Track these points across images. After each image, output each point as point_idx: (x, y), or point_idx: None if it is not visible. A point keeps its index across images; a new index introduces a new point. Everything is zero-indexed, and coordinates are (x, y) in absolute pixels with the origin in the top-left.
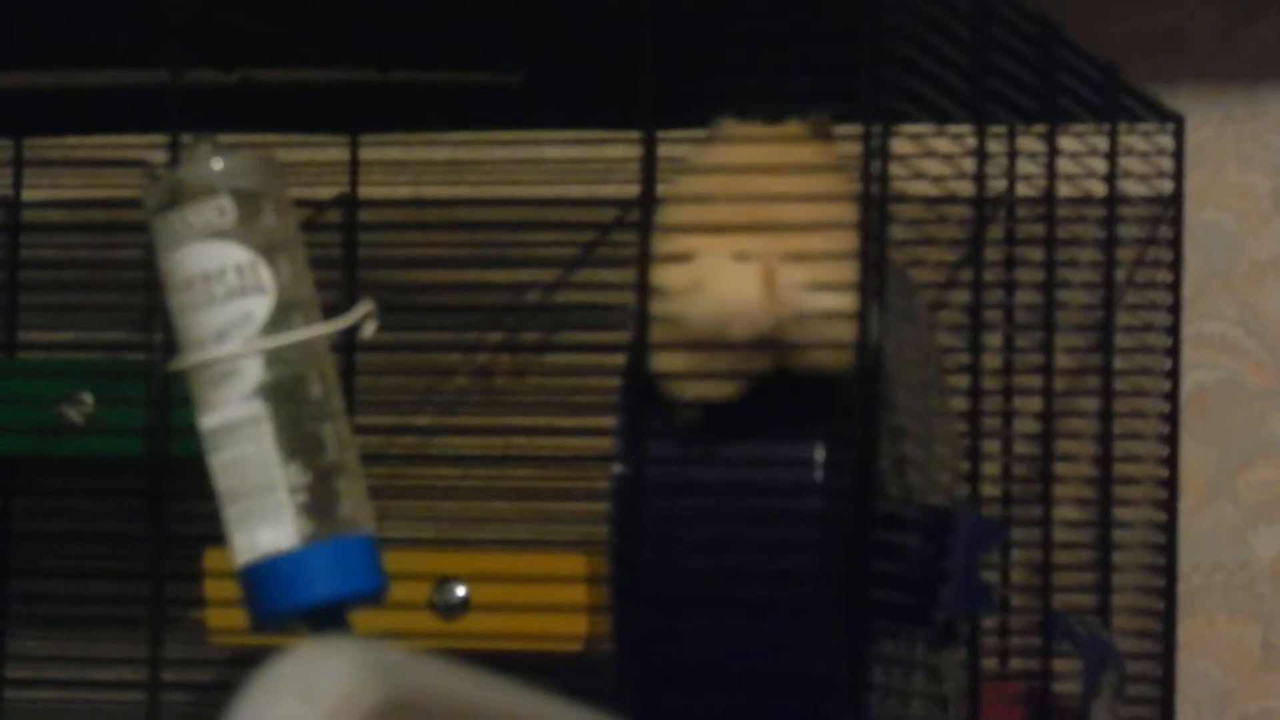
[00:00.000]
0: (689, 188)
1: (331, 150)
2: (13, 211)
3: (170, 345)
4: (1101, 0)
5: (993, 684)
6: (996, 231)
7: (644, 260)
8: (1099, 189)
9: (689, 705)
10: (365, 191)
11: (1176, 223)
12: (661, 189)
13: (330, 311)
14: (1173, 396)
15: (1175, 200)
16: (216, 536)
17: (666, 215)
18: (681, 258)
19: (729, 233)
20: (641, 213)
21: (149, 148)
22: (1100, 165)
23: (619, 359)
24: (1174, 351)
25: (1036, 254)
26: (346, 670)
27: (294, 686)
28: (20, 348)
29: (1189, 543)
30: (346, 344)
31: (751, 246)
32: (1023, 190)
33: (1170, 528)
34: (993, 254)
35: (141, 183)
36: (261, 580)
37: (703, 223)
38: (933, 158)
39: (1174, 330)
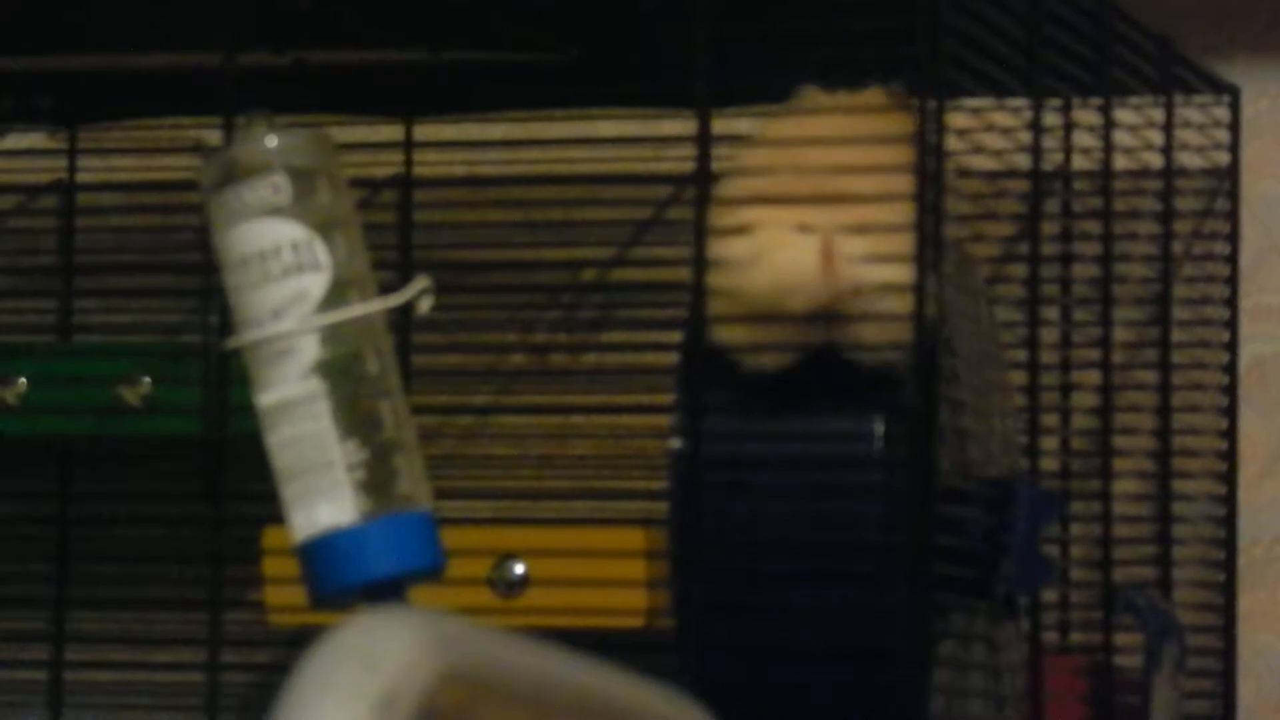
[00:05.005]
0: (753, 160)
1: (386, 130)
2: (68, 195)
3: (226, 326)
4: None
5: (1054, 657)
6: (1053, 205)
7: (700, 235)
8: (1155, 162)
9: (751, 678)
10: (420, 171)
11: (1233, 194)
12: (722, 162)
13: (386, 292)
14: (1231, 369)
15: (1232, 172)
16: (275, 515)
17: (729, 188)
18: (742, 230)
19: (793, 205)
20: (697, 188)
21: (203, 129)
22: (1156, 138)
23: (676, 335)
24: (1232, 323)
25: (1093, 227)
26: (408, 639)
27: (356, 655)
28: (77, 330)
29: (1249, 515)
30: (403, 321)
31: (814, 219)
32: (1079, 164)
33: (1230, 500)
34: (1050, 228)
35: (196, 164)
36: (320, 557)
37: (766, 194)
38: (989, 132)
39: (1232, 302)
